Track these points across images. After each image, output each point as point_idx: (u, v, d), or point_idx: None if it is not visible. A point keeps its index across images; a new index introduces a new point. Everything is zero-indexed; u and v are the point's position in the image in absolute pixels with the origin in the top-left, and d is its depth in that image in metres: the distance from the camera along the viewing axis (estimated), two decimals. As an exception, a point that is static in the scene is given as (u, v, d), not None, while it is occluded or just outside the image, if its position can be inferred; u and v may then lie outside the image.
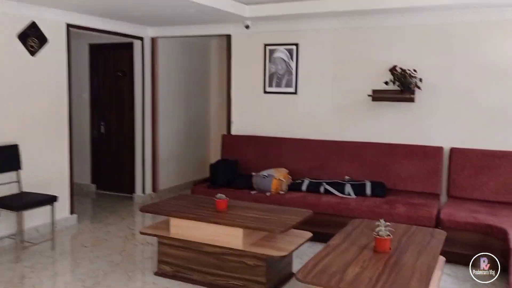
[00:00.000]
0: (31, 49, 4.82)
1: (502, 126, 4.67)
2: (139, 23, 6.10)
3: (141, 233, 3.99)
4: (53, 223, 4.61)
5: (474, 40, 4.76)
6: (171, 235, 3.81)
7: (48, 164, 5.09)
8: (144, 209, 4.08)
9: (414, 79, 4.87)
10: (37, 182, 4.83)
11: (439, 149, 4.84)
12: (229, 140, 6.02)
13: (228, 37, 6.06)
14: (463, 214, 4.13)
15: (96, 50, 6.92)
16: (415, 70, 4.88)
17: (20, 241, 4.43)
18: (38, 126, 4.96)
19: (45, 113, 5.04)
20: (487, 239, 3.89)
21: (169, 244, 3.87)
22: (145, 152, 6.54)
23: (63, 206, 5.17)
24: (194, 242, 3.72)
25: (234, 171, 5.58)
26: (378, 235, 2.94)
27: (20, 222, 4.41)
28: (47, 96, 5.05)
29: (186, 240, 3.76)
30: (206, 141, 7.76)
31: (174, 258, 3.86)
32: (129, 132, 6.68)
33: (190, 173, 7.32)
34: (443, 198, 4.81)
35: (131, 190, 6.66)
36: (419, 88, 4.87)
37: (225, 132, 6.22)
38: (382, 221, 3.01)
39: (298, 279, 2.56)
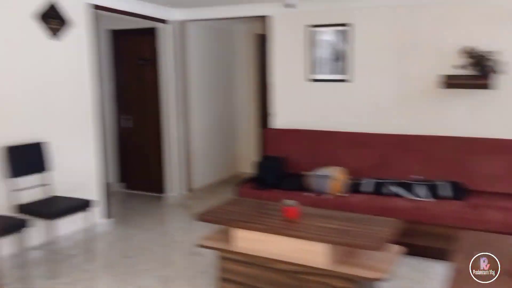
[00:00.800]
0: (53, 33, 4.21)
1: None
2: (164, 4, 5.46)
3: (201, 246, 3.40)
4: (88, 230, 4.07)
5: None
6: (238, 250, 3.24)
7: (77, 163, 4.50)
8: (203, 218, 3.45)
9: (495, 63, 4.26)
10: (66, 184, 4.24)
11: (528, 144, 4.25)
12: (273, 135, 5.40)
13: (266, 18, 5.42)
14: None
15: (116, 37, 6.30)
16: (495, 52, 4.27)
17: (53, 253, 3.87)
18: (64, 121, 4.37)
19: (72, 107, 4.44)
20: None
21: (233, 259, 3.30)
22: (178, 148, 5.95)
23: (97, 210, 4.59)
24: (264, 258, 3.16)
25: (281, 170, 4.98)
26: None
27: (52, 231, 3.78)
28: (73, 88, 4.46)
29: (254, 256, 3.19)
30: (235, 135, 7.16)
31: (239, 275, 3.30)
32: (154, 126, 6.08)
33: (220, 170, 6.77)
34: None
35: (160, 189, 6.08)
36: (502, 72, 4.27)
37: (256, 126, 5.60)
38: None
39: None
